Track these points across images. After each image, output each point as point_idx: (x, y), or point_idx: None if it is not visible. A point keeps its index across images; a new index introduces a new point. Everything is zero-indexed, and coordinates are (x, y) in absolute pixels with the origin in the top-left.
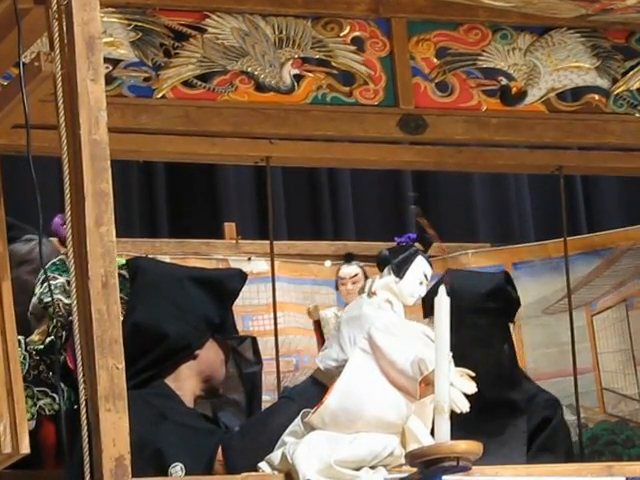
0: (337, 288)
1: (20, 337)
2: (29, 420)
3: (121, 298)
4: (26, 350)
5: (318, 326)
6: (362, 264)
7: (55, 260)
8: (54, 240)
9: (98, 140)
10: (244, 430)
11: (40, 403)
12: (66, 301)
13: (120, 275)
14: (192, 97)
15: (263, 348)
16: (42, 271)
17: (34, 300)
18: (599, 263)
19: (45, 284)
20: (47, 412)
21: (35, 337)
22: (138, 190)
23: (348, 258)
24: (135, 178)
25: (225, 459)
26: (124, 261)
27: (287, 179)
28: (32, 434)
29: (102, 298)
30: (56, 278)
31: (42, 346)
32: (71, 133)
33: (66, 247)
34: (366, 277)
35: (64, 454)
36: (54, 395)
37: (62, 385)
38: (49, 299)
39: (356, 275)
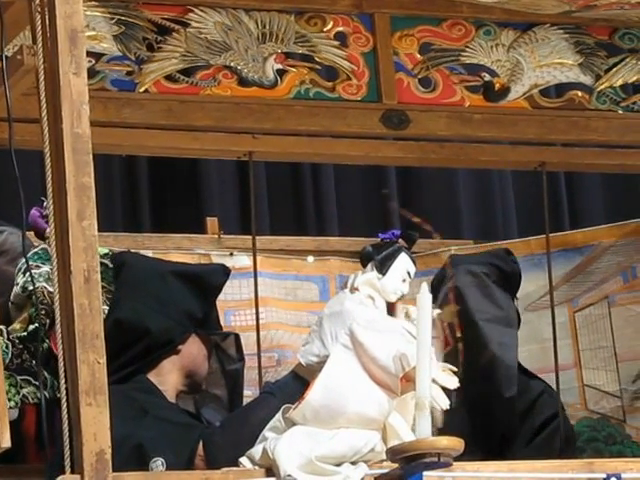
0: None
1: (1, 326)
2: (12, 408)
3: (103, 287)
4: (8, 339)
5: None
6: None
7: (37, 250)
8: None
9: (80, 134)
10: (225, 425)
11: (23, 391)
12: (50, 289)
13: (103, 264)
14: (175, 91)
15: (245, 343)
16: (24, 260)
17: (16, 289)
18: (581, 260)
19: (28, 273)
20: (30, 400)
21: (17, 325)
22: (120, 184)
23: None
24: (117, 172)
25: (206, 454)
26: (106, 250)
27: (270, 174)
28: (15, 425)
29: (84, 293)
30: (39, 267)
31: (25, 333)
32: (53, 126)
33: (44, 239)
34: None
35: (45, 447)
36: (37, 384)
37: (45, 373)
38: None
39: None
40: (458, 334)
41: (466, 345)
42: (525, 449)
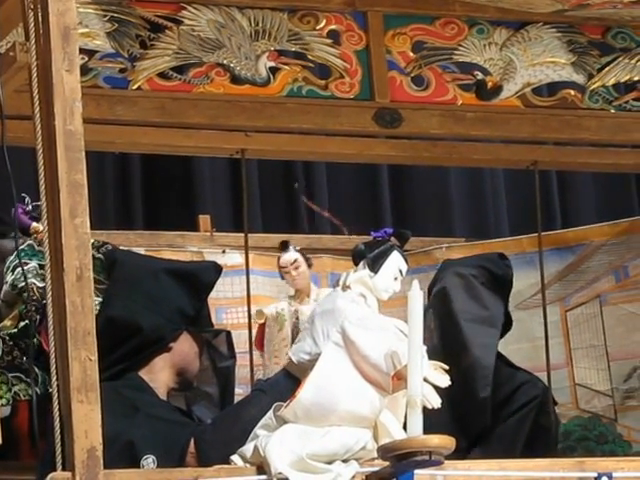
0: (283, 278)
1: None
2: (4, 406)
3: None
4: None
5: (262, 328)
6: (298, 248)
7: (23, 246)
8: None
9: (73, 131)
10: (216, 422)
11: (15, 389)
12: (39, 284)
13: None
14: (168, 89)
15: (236, 341)
16: (12, 258)
17: (5, 287)
18: (573, 259)
19: (17, 270)
20: (22, 397)
21: (7, 322)
22: (113, 182)
23: (284, 246)
24: (110, 169)
25: (197, 451)
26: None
27: (262, 172)
28: (7, 421)
29: (76, 290)
30: (27, 263)
31: (15, 330)
32: (46, 124)
33: (29, 236)
34: (307, 260)
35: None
36: (29, 380)
37: (36, 370)
38: (23, 284)
39: (295, 261)
40: None
41: (447, 345)
42: (491, 435)
